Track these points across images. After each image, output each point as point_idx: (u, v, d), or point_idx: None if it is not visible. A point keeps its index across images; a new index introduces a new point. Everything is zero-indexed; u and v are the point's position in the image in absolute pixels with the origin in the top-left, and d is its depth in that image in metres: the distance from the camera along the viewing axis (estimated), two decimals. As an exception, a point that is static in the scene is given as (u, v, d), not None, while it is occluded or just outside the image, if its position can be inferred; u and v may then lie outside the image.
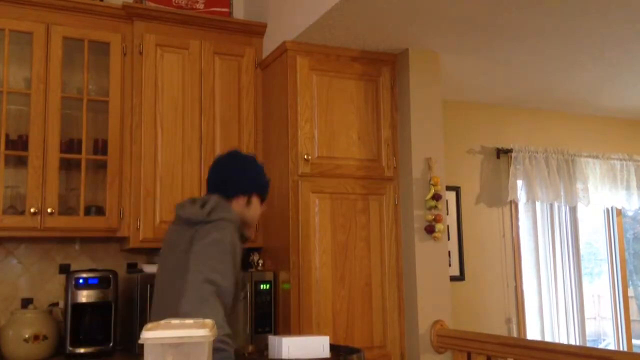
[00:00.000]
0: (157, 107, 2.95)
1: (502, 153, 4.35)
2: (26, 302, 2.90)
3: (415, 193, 3.00)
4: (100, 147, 2.92)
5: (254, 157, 2.36)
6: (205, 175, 2.96)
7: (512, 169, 4.29)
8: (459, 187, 4.16)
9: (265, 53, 3.17)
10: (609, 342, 4.75)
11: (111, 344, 2.72)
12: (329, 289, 2.84)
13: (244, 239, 2.16)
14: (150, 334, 1.21)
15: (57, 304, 2.93)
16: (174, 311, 1.87)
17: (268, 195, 2.29)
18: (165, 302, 2.12)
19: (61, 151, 2.80)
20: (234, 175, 2.25)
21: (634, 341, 4.78)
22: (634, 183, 4.76)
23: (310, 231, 2.84)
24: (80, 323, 2.71)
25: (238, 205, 2.20)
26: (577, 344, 4.38)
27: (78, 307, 2.70)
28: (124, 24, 2.96)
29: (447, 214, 3.50)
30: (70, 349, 2.65)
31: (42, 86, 2.78)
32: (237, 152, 2.37)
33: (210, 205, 2.13)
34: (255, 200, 2.23)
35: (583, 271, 4.62)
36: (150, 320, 1.69)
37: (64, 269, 3.01)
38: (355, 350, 1.60)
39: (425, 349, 2.90)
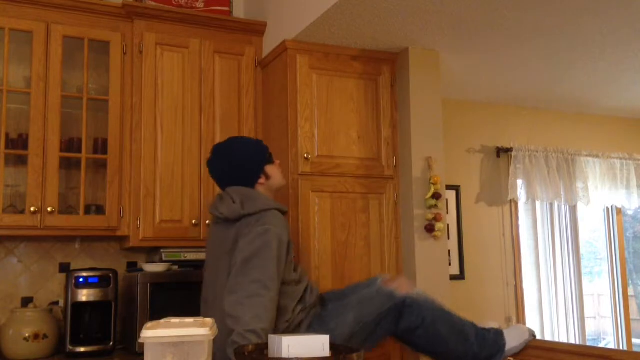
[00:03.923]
0: (157, 106, 2.95)
1: (502, 152, 4.35)
2: (26, 301, 2.90)
3: (415, 192, 3.00)
4: (100, 146, 2.92)
5: (234, 139, 2.44)
6: (205, 174, 2.98)
7: (512, 168, 4.29)
8: (459, 186, 4.16)
9: (265, 52, 3.17)
10: (609, 341, 4.75)
11: (111, 343, 2.72)
12: (328, 288, 2.84)
13: (284, 212, 2.29)
14: (150, 333, 1.21)
15: (57, 303, 2.93)
16: (220, 313, 1.96)
17: (271, 154, 2.42)
18: (212, 305, 2.18)
19: (61, 150, 2.80)
20: (241, 165, 2.34)
21: (634, 340, 4.78)
22: (634, 182, 4.76)
23: (310, 230, 2.84)
24: (81, 322, 2.71)
25: (262, 186, 2.34)
26: (577, 343, 4.39)
27: (78, 306, 2.70)
28: (124, 22, 2.96)
29: (447, 213, 3.50)
30: (71, 347, 2.66)
31: (42, 85, 2.78)
32: (221, 146, 2.43)
33: (239, 198, 2.20)
34: (269, 169, 2.36)
35: (583, 270, 4.62)
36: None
37: (64, 268, 3.01)
38: (355, 349, 1.60)
39: (425, 348, 2.89)
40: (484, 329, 2.35)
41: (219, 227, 2.30)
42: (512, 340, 2.28)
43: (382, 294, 2.24)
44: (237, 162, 2.34)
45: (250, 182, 2.32)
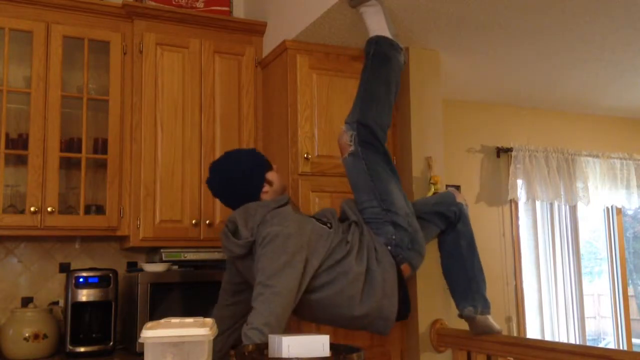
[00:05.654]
0: (157, 106, 2.95)
1: (502, 152, 4.36)
2: (26, 301, 2.90)
3: (415, 192, 3.00)
4: (100, 146, 2.92)
5: (228, 154, 2.41)
6: (205, 174, 2.97)
7: (512, 168, 4.29)
8: (459, 186, 4.16)
9: (265, 52, 3.17)
10: (609, 341, 4.76)
11: (111, 343, 2.72)
12: (329, 288, 2.84)
13: (291, 203, 2.28)
14: (150, 333, 1.21)
15: (57, 303, 2.93)
16: None
17: (269, 160, 2.43)
18: None
19: (61, 150, 2.80)
20: (242, 180, 2.31)
21: (634, 340, 4.78)
22: (634, 182, 4.76)
23: (310, 230, 2.84)
24: (81, 322, 2.71)
25: (266, 194, 2.32)
26: (577, 342, 4.39)
27: (78, 306, 2.70)
28: (124, 22, 2.96)
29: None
30: (71, 347, 2.66)
31: (42, 85, 2.78)
32: (217, 165, 2.41)
33: (241, 222, 2.18)
34: (270, 175, 2.34)
35: (583, 270, 4.62)
36: None
37: (64, 268, 3.01)
38: (355, 349, 1.60)
39: (425, 348, 2.90)
40: None
41: (245, 263, 2.21)
42: None
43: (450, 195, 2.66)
44: (237, 176, 2.30)
45: (254, 194, 2.29)
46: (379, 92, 2.44)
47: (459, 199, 2.63)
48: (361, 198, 2.36)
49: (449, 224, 2.60)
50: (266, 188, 2.31)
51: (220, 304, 2.42)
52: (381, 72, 2.46)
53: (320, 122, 2.94)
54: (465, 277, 2.58)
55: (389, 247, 2.25)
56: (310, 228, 2.16)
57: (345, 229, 2.27)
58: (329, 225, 2.24)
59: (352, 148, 2.37)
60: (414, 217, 2.37)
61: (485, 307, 2.59)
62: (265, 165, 2.37)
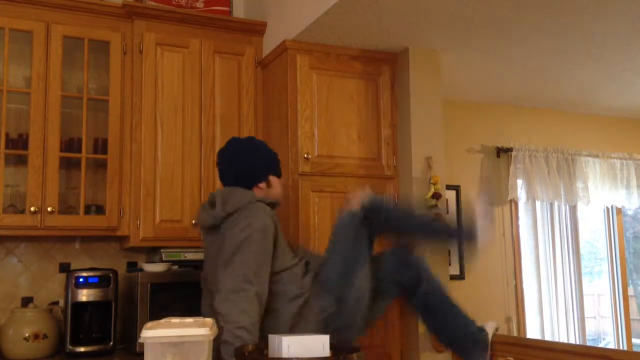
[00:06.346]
0: (157, 106, 2.95)
1: (502, 152, 4.35)
2: (26, 301, 2.90)
3: (415, 192, 3.00)
4: (100, 146, 2.92)
5: (253, 139, 2.42)
6: (205, 174, 2.98)
7: (512, 168, 4.29)
8: (458, 186, 4.16)
9: (266, 52, 3.17)
10: (609, 341, 4.75)
11: (111, 343, 2.72)
12: (329, 287, 2.84)
13: (274, 205, 2.27)
14: (150, 333, 1.21)
15: (57, 303, 2.93)
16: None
17: (281, 168, 2.42)
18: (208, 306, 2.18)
19: (61, 150, 2.80)
20: (245, 166, 2.31)
21: (634, 340, 4.78)
22: (634, 182, 4.76)
23: (310, 230, 2.84)
24: (81, 322, 2.71)
25: (260, 192, 2.30)
26: (577, 342, 4.39)
27: (78, 306, 2.69)
28: (124, 22, 2.96)
29: (447, 213, 3.50)
30: (71, 347, 2.65)
31: (42, 85, 2.78)
32: (237, 140, 2.41)
33: (220, 200, 2.18)
34: (273, 180, 2.35)
35: (583, 270, 4.62)
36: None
37: (64, 268, 3.01)
38: (355, 349, 1.60)
39: (425, 348, 2.90)
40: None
41: (209, 238, 2.28)
42: None
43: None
44: (245, 158, 2.32)
45: (250, 183, 2.29)
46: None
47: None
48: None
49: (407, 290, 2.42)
50: (262, 185, 2.32)
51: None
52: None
53: (320, 122, 2.94)
54: (454, 331, 2.43)
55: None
56: (282, 238, 2.20)
57: (304, 270, 2.26)
58: (296, 256, 2.28)
59: None
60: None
61: (482, 334, 2.48)
62: (274, 168, 2.38)
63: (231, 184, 2.30)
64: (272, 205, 2.25)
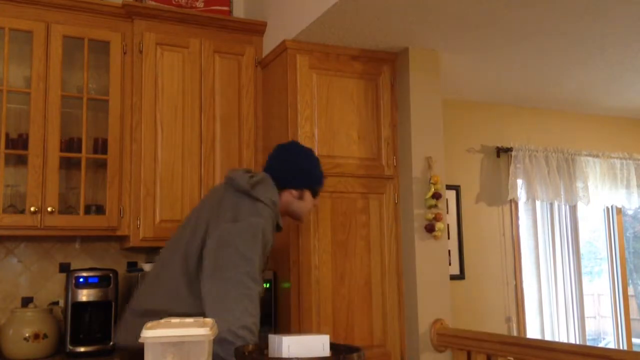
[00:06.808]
0: (157, 105, 2.95)
1: (502, 152, 4.36)
2: (26, 301, 2.90)
3: (415, 192, 3.00)
4: (100, 146, 2.92)
5: (311, 152, 2.37)
6: (205, 174, 2.98)
7: (512, 167, 4.29)
8: (459, 186, 4.17)
9: (265, 52, 3.17)
10: (609, 341, 4.76)
11: (111, 343, 2.72)
12: (328, 287, 2.84)
13: (278, 228, 2.18)
14: (150, 333, 1.21)
15: (57, 303, 2.93)
16: (170, 274, 1.96)
17: (320, 190, 2.34)
18: (166, 261, 2.11)
19: (61, 150, 2.80)
20: (294, 168, 2.27)
21: (634, 340, 4.78)
22: (634, 182, 4.76)
23: (310, 230, 2.84)
24: (81, 322, 2.71)
25: (289, 195, 2.25)
26: (577, 342, 4.39)
27: (78, 306, 2.70)
28: (124, 22, 2.96)
29: (447, 212, 3.50)
30: (71, 347, 2.66)
31: (42, 85, 2.78)
32: (298, 145, 2.38)
33: (257, 179, 2.12)
34: (307, 195, 2.29)
35: (583, 270, 4.62)
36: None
37: (64, 268, 3.01)
38: (355, 349, 1.60)
39: (425, 348, 2.90)
40: None
41: (224, 192, 2.15)
42: None
43: None
44: (297, 161, 2.28)
45: (286, 184, 2.22)
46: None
47: None
48: None
49: None
50: (293, 194, 2.25)
51: None
52: None
53: (320, 122, 2.94)
54: None
55: None
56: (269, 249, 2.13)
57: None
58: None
59: None
60: None
61: None
62: (314, 186, 2.31)
63: (270, 172, 2.23)
64: (278, 227, 2.18)
